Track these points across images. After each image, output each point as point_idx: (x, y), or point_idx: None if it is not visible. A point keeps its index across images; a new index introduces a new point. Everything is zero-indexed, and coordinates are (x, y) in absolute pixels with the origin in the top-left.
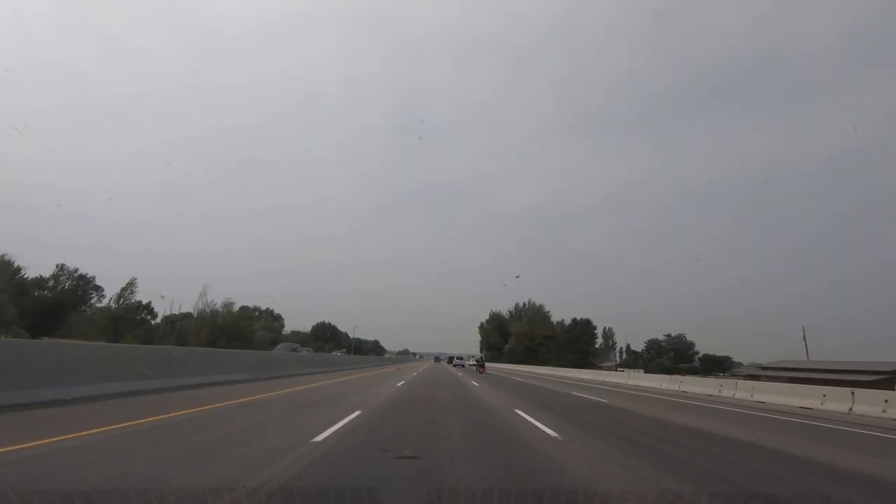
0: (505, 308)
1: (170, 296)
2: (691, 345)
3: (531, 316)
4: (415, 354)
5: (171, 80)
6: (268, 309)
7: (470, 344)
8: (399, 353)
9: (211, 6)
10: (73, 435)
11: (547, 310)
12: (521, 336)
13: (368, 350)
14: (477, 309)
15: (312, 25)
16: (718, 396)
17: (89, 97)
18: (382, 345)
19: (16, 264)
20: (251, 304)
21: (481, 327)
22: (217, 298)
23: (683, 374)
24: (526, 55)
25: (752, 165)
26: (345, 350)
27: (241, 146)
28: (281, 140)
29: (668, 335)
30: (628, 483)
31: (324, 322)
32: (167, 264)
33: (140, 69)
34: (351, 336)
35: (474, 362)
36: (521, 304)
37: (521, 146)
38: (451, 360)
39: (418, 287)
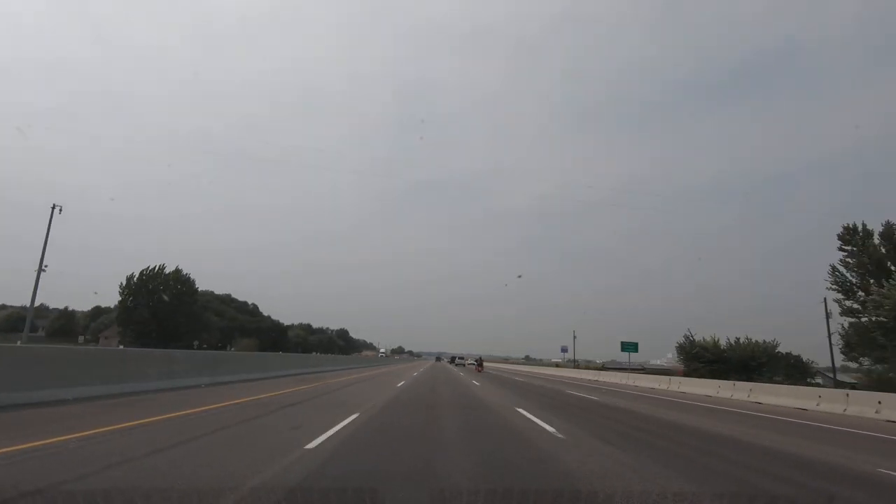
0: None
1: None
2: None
3: None
4: (410, 352)
5: (170, 79)
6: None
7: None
8: (393, 351)
9: None
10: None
11: None
12: None
13: (312, 346)
14: (479, 309)
15: (314, 24)
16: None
17: (89, 97)
18: (373, 342)
19: None
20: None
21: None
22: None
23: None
24: (530, 49)
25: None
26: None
27: (242, 147)
28: (282, 141)
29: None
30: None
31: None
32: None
33: (140, 68)
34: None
35: (473, 362)
36: None
37: (524, 143)
38: (452, 359)
39: (420, 286)
